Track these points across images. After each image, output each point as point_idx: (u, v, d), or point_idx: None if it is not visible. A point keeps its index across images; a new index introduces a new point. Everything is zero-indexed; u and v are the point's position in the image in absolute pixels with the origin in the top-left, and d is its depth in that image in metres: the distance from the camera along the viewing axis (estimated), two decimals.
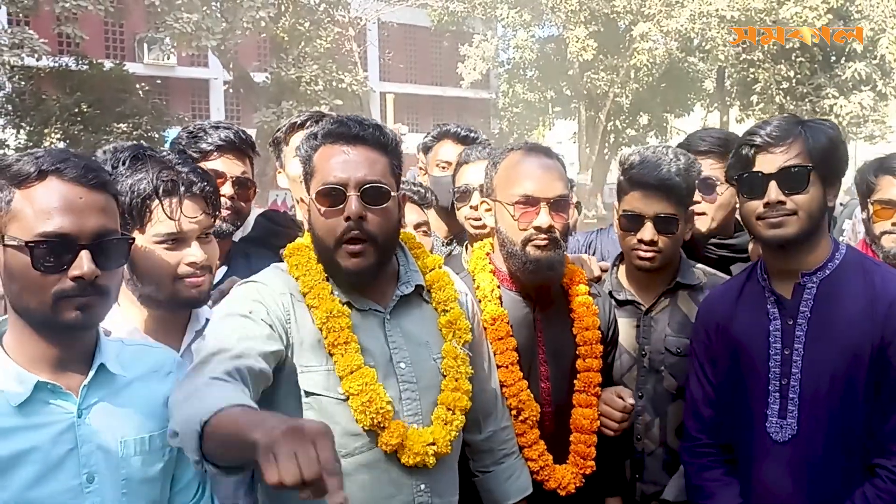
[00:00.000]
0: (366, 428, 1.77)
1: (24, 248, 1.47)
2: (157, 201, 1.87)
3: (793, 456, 2.01)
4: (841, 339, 1.99)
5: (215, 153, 2.50)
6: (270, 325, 1.75)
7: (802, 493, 2.01)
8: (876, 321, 1.97)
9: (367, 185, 1.80)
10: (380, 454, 1.80)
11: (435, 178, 3.24)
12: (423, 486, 1.84)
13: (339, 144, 1.84)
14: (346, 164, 1.81)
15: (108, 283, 1.55)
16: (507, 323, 2.17)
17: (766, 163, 2.00)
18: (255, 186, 2.64)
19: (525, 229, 2.13)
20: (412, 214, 2.58)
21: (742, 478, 2.13)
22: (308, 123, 2.84)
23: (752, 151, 2.02)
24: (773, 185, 1.98)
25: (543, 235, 2.12)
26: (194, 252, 1.91)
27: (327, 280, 1.87)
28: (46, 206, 1.48)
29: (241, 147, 2.55)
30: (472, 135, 3.27)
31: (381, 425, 1.77)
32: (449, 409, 1.87)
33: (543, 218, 2.11)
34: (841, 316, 2.00)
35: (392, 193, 1.84)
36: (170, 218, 1.87)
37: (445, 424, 1.86)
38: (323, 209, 1.82)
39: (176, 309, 1.97)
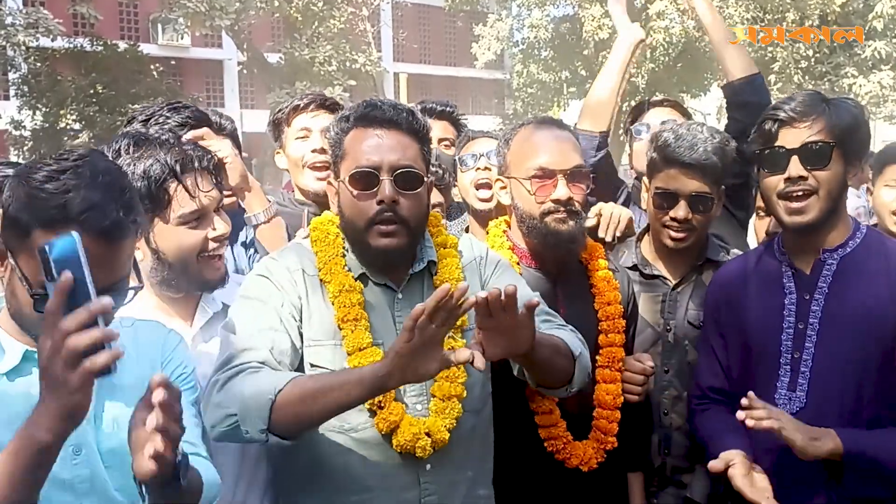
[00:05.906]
0: (366, 407, 1.77)
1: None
2: (176, 183, 1.86)
3: None
4: (859, 315, 1.97)
5: None
6: (282, 317, 1.77)
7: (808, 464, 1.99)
8: None
9: (401, 170, 1.80)
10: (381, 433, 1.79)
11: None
12: (427, 467, 1.83)
13: (372, 128, 1.84)
14: (379, 147, 1.82)
15: None
16: None
17: (790, 138, 1.98)
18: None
19: (543, 202, 2.10)
20: None
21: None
22: (311, 107, 2.82)
23: (776, 126, 2.00)
24: (794, 160, 1.96)
25: (563, 208, 2.09)
26: (218, 226, 1.93)
27: (343, 256, 1.87)
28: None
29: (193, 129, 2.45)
30: (448, 108, 3.32)
31: (381, 405, 1.77)
32: (442, 399, 1.83)
33: (561, 190, 2.09)
34: (861, 292, 1.99)
35: (424, 178, 1.85)
36: (192, 196, 1.87)
37: (439, 414, 1.82)
38: (355, 192, 1.81)
39: (196, 290, 1.97)
